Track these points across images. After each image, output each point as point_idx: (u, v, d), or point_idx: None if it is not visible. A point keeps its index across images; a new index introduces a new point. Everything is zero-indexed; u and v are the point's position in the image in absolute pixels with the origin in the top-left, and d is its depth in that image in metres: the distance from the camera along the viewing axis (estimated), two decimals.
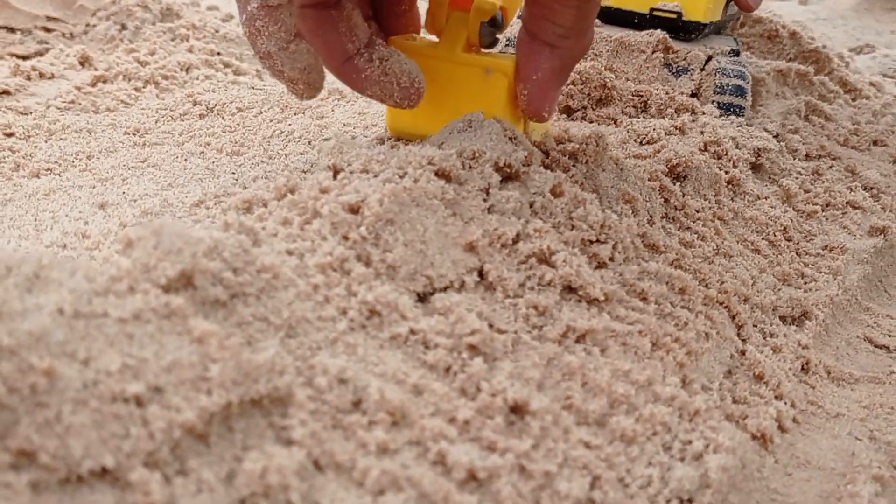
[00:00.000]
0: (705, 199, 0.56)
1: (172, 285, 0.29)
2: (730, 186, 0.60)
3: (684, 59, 0.70)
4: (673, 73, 0.70)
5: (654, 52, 0.70)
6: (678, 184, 0.55)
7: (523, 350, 0.35)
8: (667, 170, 0.56)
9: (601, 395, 0.35)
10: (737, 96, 0.69)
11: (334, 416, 0.30)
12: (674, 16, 0.70)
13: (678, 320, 0.42)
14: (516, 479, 0.30)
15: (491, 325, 0.36)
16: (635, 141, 0.62)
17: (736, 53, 0.73)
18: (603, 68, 0.69)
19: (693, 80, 0.70)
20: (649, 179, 0.53)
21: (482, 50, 0.53)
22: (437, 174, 0.40)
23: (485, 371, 0.33)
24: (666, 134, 0.62)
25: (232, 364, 0.28)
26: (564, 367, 0.35)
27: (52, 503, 0.23)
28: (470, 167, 0.42)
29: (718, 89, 0.69)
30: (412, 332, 0.34)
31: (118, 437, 0.25)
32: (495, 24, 0.52)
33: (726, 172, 0.60)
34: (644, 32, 0.71)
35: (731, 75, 0.69)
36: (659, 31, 0.70)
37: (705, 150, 0.61)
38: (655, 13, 0.70)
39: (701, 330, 0.42)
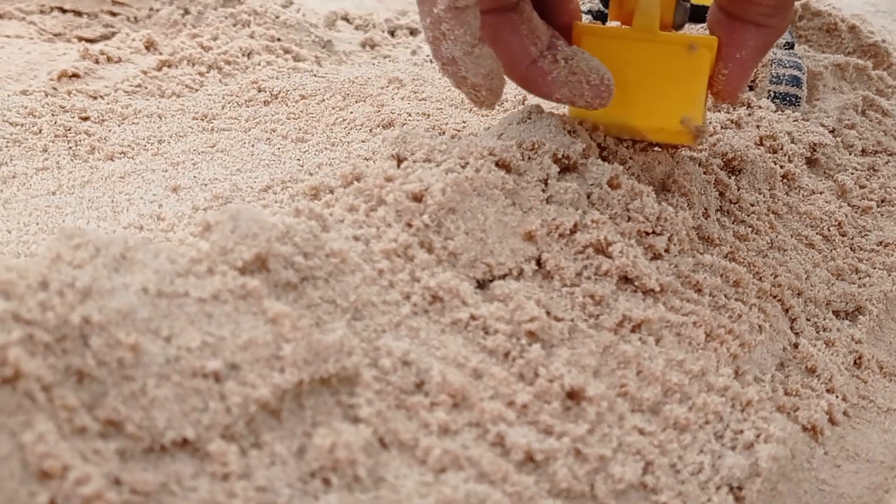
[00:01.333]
0: (760, 193, 0.56)
1: (248, 268, 0.31)
2: (785, 181, 0.60)
3: None
4: None
5: None
6: (733, 177, 0.56)
7: (579, 338, 0.36)
8: (722, 163, 0.56)
9: (655, 383, 0.35)
10: (793, 86, 0.69)
11: (398, 396, 0.31)
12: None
13: (732, 312, 0.42)
14: (572, 461, 0.31)
15: (548, 313, 0.37)
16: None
17: (790, 46, 0.72)
18: None
19: None
20: (704, 173, 0.53)
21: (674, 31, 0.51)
22: (497, 164, 0.41)
23: (543, 357, 0.34)
24: (722, 128, 0.62)
25: (304, 344, 0.29)
26: (620, 355, 0.36)
27: (137, 470, 0.25)
28: (529, 158, 0.43)
29: (774, 79, 0.69)
30: (472, 317, 0.35)
31: (198, 411, 0.26)
32: (688, 2, 0.51)
33: (781, 167, 0.60)
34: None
35: (787, 65, 0.69)
36: None
37: (761, 144, 0.61)
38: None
39: (754, 322, 0.42)
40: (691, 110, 0.48)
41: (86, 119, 0.60)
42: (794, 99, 0.69)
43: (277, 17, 1.07)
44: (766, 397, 0.38)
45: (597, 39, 0.49)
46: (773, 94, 0.69)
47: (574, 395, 0.34)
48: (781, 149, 0.61)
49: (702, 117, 0.48)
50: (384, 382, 0.31)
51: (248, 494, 0.26)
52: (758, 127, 0.63)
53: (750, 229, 0.52)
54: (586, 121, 0.50)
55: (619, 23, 0.51)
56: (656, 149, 0.53)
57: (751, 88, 0.71)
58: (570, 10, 0.50)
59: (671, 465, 0.33)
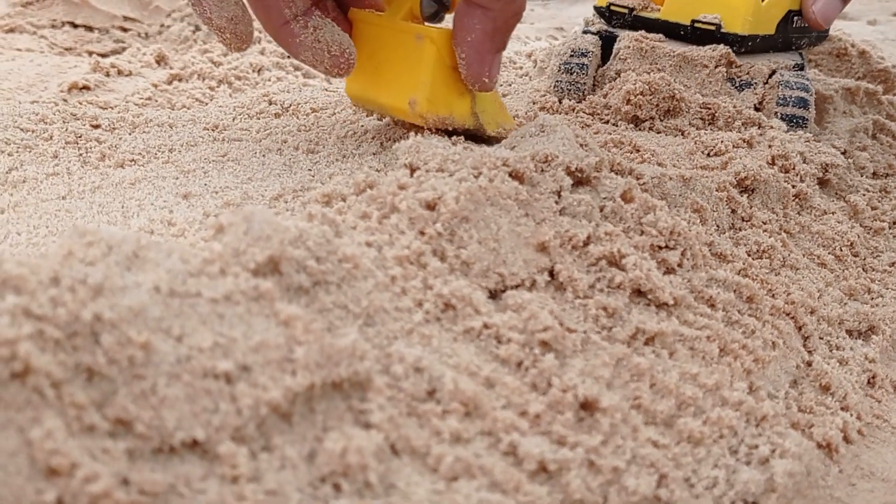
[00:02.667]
0: (773, 212, 0.56)
1: (261, 270, 0.30)
2: (797, 200, 0.59)
3: (747, 73, 0.70)
4: (736, 87, 0.70)
5: (716, 67, 0.70)
6: (745, 196, 0.55)
7: (592, 349, 0.36)
8: (735, 182, 0.56)
9: (669, 396, 0.35)
10: (800, 108, 0.69)
11: (409, 403, 0.31)
12: (712, 27, 0.69)
13: (745, 328, 0.42)
14: (585, 473, 0.31)
15: (561, 324, 0.37)
16: (702, 153, 0.62)
17: (800, 68, 0.72)
18: (673, 80, 0.69)
19: (756, 93, 0.70)
20: (717, 190, 0.53)
21: (425, 23, 0.57)
22: (511, 175, 0.41)
23: (556, 367, 0.34)
24: (734, 146, 0.62)
25: (316, 347, 0.29)
26: (633, 367, 0.36)
27: (146, 470, 0.25)
28: (542, 170, 0.42)
29: (781, 101, 0.69)
30: (485, 326, 0.35)
31: (208, 412, 0.26)
32: None
33: (793, 186, 0.60)
34: (707, 47, 0.70)
35: (795, 87, 0.69)
36: (722, 45, 0.70)
37: (773, 163, 0.61)
38: (696, 25, 0.70)
39: (768, 339, 0.42)
40: (417, 94, 0.53)
41: (96, 127, 0.60)
42: (801, 121, 0.69)
43: None
44: (780, 413, 0.38)
45: (363, 25, 0.57)
46: (780, 116, 0.69)
47: (588, 406, 0.33)
48: (794, 168, 0.61)
49: (428, 102, 0.54)
50: (396, 389, 0.31)
51: (257, 498, 0.25)
52: (770, 146, 0.62)
53: (762, 247, 0.51)
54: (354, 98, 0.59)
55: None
56: (654, 163, 0.54)
57: (757, 109, 0.70)
58: (369, 4, 0.58)
59: (685, 479, 0.33)
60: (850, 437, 0.40)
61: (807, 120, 0.69)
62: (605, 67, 0.74)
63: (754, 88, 0.70)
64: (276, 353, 0.28)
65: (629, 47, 0.72)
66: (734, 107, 0.68)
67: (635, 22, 0.73)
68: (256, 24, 0.52)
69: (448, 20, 0.57)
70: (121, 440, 0.25)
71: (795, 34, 0.75)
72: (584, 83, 0.73)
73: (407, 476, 0.28)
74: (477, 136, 0.58)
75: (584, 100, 0.72)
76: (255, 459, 0.26)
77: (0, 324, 0.23)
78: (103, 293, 0.26)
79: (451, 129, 0.56)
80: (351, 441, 0.27)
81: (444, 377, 0.31)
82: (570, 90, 0.73)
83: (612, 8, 0.74)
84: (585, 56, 0.73)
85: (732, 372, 0.38)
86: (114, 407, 0.25)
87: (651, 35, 0.72)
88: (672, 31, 0.72)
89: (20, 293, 0.25)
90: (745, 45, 0.70)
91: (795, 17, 0.74)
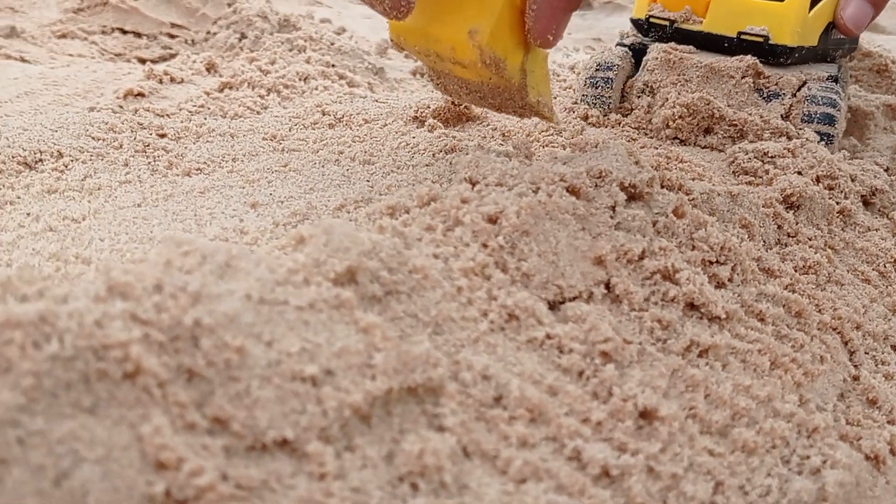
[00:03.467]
0: (818, 228, 0.57)
1: (340, 279, 0.32)
2: (841, 217, 0.61)
3: (776, 84, 0.70)
4: (763, 98, 0.70)
5: (743, 77, 0.70)
6: (791, 212, 0.57)
7: (649, 360, 0.37)
8: (781, 198, 0.57)
9: (723, 406, 0.36)
10: (825, 124, 0.68)
11: (478, 408, 0.32)
12: (760, 39, 0.69)
13: (794, 342, 0.43)
14: (645, 478, 0.32)
15: (618, 335, 0.38)
16: (743, 168, 0.63)
17: (835, 80, 0.71)
18: (712, 98, 0.69)
19: (784, 104, 0.69)
20: (764, 206, 0.54)
21: None
22: (568, 190, 0.42)
23: (616, 377, 0.35)
24: (779, 157, 0.63)
25: (393, 354, 0.30)
26: (688, 378, 0.37)
27: (240, 467, 0.26)
28: (597, 185, 0.44)
29: (806, 117, 0.68)
30: (548, 336, 0.36)
31: (297, 413, 0.28)
32: None
33: (837, 203, 0.61)
34: (734, 58, 0.70)
35: (821, 103, 0.68)
36: (749, 56, 0.70)
37: (818, 181, 0.62)
38: (743, 37, 0.70)
39: (816, 353, 0.43)
40: (481, 24, 0.49)
41: (162, 136, 0.63)
42: (827, 138, 0.68)
43: (332, 44, 1.10)
44: (830, 425, 0.39)
45: None
46: None
47: (646, 415, 0.35)
48: (838, 186, 0.62)
49: (490, 36, 0.49)
50: (465, 395, 0.32)
51: (343, 494, 0.27)
52: (816, 163, 0.63)
53: (809, 262, 0.52)
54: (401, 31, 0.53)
55: None
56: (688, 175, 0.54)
57: (784, 118, 0.70)
58: None
59: (740, 487, 0.34)
60: None
61: (833, 137, 0.69)
62: (633, 79, 0.74)
63: (782, 100, 0.70)
64: (356, 359, 0.30)
65: (657, 58, 0.72)
66: (761, 117, 0.68)
67: (676, 34, 0.73)
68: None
69: None
70: (218, 437, 0.26)
71: (833, 45, 0.75)
72: (610, 97, 0.73)
73: (478, 477, 0.30)
74: (506, 110, 0.56)
75: (610, 113, 0.73)
76: (340, 458, 0.28)
77: (113, 327, 0.25)
78: (201, 300, 0.28)
79: (493, 76, 0.53)
80: (427, 443, 0.29)
81: (510, 384, 0.33)
82: (595, 104, 0.74)
83: (652, 20, 0.74)
84: (611, 70, 0.73)
85: (783, 384, 0.40)
86: (212, 406, 0.27)
87: (680, 47, 0.72)
88: (716, 43, 0.72)
89: (127, 299, 0.26)
90: (792, 56, 0.70)
91: (833, 28, 0.74)
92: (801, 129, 0.68)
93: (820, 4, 0.70)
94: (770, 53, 0.70)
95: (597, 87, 0.73)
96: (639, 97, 0.72)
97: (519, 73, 0.54)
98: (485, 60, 0.51)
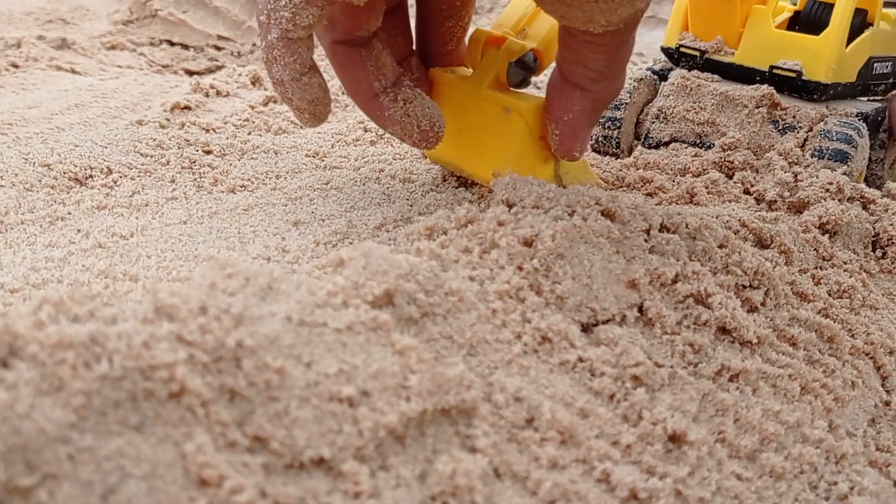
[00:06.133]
0: (854, 253, 0.57)
1: (377, 302, 0.33)
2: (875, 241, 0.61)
3: (793, 117, 0.67)
4: (778, 130, 0.67)
5: (757, 107, 0.67)
6: (827, 236, 0.57)
7: (679, 384, 0.38)
8: (818, 223, 0.57)
9: (752, 431, 0.37)
10: (836, 161, 0.64)
11: (510, 430, 0.33)
12: (793, 74, 0.66)
13: (826, 367, 0.44)
14: (673, 501, 0.33)
15: (650, 359, 0.39)
16: (781, 196, 0.63)
17: (864, 118, 0.67)
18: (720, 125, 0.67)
19: (798, 137, 0.66)
20: (803, 231, 0.54)
21: (511, 89, 0.56)
22: (603, 214, 0.43)
23: (646, 401, 0.36)
24: (821, 189, 0.62)
25: (428, 376, 0.31)
26: (718, 403, 0.38)
27: (278, 484, 0.27)
28: (632, 210, 0.45)
29: (816, 153, 0.64)
30: (580, 359, 0.37)
31: (333, 432, 0.29)
32: (524, 65, 0.54)
33: (873, 227, 0.61)
34: (751, 87, 0.68)
35: (835, 138, 0.64)
36: (765, 86, 0.67)
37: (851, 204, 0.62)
38: (775, 71, 0.67)
39: (847, 378, 0.44)
40: (502, 166, 0.50)
41: (208, 153, 0.64)
42: None
43: None
44: (859, 451, 0.39)
45: (444, 87, 0.56)
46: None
47: (675, 439, 0.35)
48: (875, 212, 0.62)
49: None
50: (498, 416, 0.33)
51: None
52: (852, 190, 0.63)
53: (843, 287, 0.53)
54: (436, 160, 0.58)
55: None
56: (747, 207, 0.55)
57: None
58: (451, 62, 0.58)
59: None
60: None
61: (844, 174, 0.63)
62: (650, 105, 0.72)
63: (797, 133, 0.66)
64: (392, 381, 0.31)
65: (674, 84, 0.70)
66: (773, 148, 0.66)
67: (706, 65, 0.71)
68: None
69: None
70: (258, 455, 0.27)
71: (874, 80, 0.72)
72: (618, 138, 0.71)
73: (509, 499, 0.31)
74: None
75: (620, 155, 0.71)
76: (374, 478, 0.29)
77: (160, 348, 0.26)
78: (244, 322, 0.29)
79: None
80: (459, 464, 0.30)
81: (542, 406, 0.34)
82: (603, 143, 0.71)
83: (682, 50, 0.72)
84: (619, 109, 0.70)
85: (813, 410, 0.40)
86: (252, 425, 0.28)
87: (703, 74, 0.70)
88: (748, 76, 0.69)
89: (173, 321, 0.28)
90: (826, 93, 0.67)
91: (876, 63, 0.71)
92: (808, 163, 0.64)
93: (859, 38, 0.68)
94: (803, 89, 0.67)
95: (604, 128, 0.71)
96: (652, 123, 0.70)
97: (553, 181, 0.55)
98: None
